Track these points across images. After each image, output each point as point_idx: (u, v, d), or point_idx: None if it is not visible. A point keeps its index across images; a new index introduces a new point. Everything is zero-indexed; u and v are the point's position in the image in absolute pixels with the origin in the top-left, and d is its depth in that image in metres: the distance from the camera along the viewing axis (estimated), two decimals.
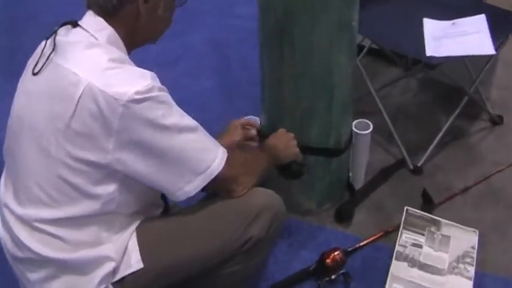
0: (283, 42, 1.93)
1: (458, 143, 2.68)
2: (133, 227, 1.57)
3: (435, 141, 2.55)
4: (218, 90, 3.10)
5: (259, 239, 1.63)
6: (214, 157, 1.51)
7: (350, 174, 2.37)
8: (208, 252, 1.60)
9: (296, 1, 1.83)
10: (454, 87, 2.79)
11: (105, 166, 1.41)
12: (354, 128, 2.22)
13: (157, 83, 1.41)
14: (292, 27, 1.88)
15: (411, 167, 2.51)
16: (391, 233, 2.23)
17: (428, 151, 2.54)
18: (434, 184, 2.46)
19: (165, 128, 1.40)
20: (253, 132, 2.01)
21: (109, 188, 1.45)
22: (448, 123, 2.56)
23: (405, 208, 2.25)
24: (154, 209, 1.69)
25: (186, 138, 1.45)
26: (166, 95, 1.42)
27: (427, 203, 2.34)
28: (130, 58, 1.51)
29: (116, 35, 1.47)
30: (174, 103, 1.45)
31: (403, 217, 2.22)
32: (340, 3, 1.85)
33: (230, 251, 1.61)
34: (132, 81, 1.37)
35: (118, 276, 1.51)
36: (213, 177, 1.50)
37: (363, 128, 2.24)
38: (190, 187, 1.49)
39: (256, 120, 2.20)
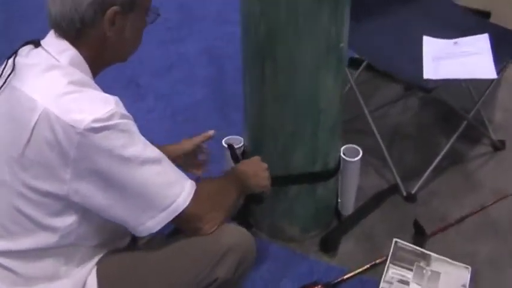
0: (265, 62, 1.82)
1: (456, 168, 2.54)
2: (95, 261, 1.49)
3: (432, 166, 2.42)
4: (211, 101, 3.00)
5: (226, 280, 1.52)
6: (179, 192, 1.40)
7: (339, 200, 2.23)
8: None
9: (278, 20, 1.71)
10: (456, 108, 2.65)
11: (62, 197, 1.32)
12: (342, 155, 2.10)
13: (121, 110, 1.31)
14: (274, 47, 1.77)
15: (404, 193, 2.39)
16: (378, 266, 2.10)
17: (424, 176, 2.41)
18: (428, 212, 2.33)
19: (125, 160, 1.30)
20: (203, 156, 1.97)
21: (67, 220, 1.37)
22: (446, 147, 2.43)
23: (394, 240, 2.12)
24: (120, 240, 1.59)
25: (148, 170, 1.35)
26: (128, 123, 1.32)
27: (419, 234, 2.21)
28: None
29: (80, 56, 1.37)
30: (137, 132, 1.34)
31: (391, 250, 2.09)
32: (326, 25, 1.73)
33: None
34: (92, 107, 1.28)
35: None
36: (177, 213, 1.40)
37: (352, 154, 2.11)
38: (152, 223, 1.39)
39: (239, 140, 2.09)
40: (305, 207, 2.16)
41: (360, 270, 2.09)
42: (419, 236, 2.20)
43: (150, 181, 1.35)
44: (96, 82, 1.41)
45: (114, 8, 1.35)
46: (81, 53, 1.37)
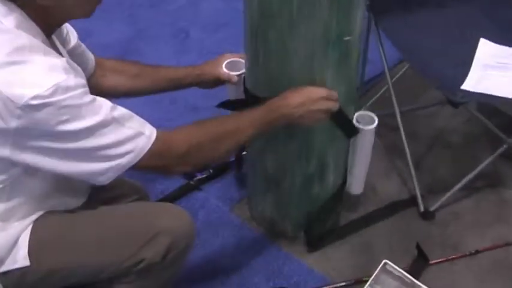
0: (258, 42, 1.62)
1: (489, 191, 2.24)
2: (33, 218, 1.46)
3: (460, 184, 2.15)
4: None
5: (153, 263, 1.48)
6: (132, 148, 1.34)
7: (348, 175, 1.98)
8: (96, 265, 1.49)
9: (271, 1, 1.50)
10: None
11: (5, 159, 1.29)
12: (355, 122, 1.81)
13: (67, 81, 1.22)
14: (267, 30, 1.57)
15: (422, 209, 2.13)
16: (362, 284, 1.89)
17: (449, 194, 2.14)
18: (442, 236, 2.08)
19: (69, 134, 1.25)
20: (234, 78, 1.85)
21: (12, 171, 1.35)
22: (482, 165, 2.14)
23: (383, 261, 1.89)
24: (71, 198, 1.56)
25: (95, 138, 1.28)
26: (74, 96, 1.23)
27: (420, 259, 1.97)
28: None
29: (27, 18, 1.28)
30: (86, 101, 1.25)
31: (376, 271, 1.87)
32: (325, 15, 1.50)
33: (121, 268, 1.49)
34: (34, 81, 1.20)
35: (3, 269, 1.41)
36: (134, 163, 1.35)
37: (366, 122, 1.82)
38: (104, 178, 1.35)
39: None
40: (299, 204, 1.97)
41: (341, 285, 1.90)
42: (420, 262, 1.97)
43: (98, 147, 1.29)
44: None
45: None
46: (28, 15, 1.28)
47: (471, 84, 1.94)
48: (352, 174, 1.96)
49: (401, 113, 2.21)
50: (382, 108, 2.27)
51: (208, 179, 2.27)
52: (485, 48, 2.10)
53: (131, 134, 1.33)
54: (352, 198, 2.06)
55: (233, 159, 2.27)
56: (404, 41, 2.06)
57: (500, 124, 2.36)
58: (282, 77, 1.64)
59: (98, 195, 1.67)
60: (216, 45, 2.92)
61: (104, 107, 1.28)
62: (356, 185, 2.02)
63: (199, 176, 2.26)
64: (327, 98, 1.59)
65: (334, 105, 1.61)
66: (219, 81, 1.87)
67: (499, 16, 2.22)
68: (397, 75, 2.47)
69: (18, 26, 1.25)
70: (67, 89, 1.21)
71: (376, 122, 1.80)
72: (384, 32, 2.11)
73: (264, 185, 1.98)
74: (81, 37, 1.66)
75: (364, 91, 2.57)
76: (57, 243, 1.47)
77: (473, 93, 1.88)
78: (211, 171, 2.28)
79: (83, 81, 1.27)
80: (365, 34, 2.26)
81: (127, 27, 2.98)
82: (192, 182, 2.25)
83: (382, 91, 2.34)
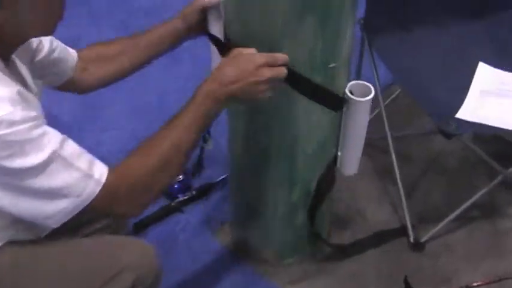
0: None
1: (484, 221, 2.14)
2: None
3: (454, 214, 2.05)
4: None
5: None
6: (83, 188, 1.22)
7: (339, 154, 1.72)
8: None
9: (254, 22, 1.41)
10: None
11: None
12: (347, 93, 1.54)
13: (12, 115, 1.12)
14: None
15: (412, 239, 2.03)
16: None
17: (442, 224, 2.05)
18: (433, 268, 1.98)
19: (11, 171, 1.15)
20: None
21: None
22: (478, 195, 2.04)
23: None
24: (35, 228, 1.43)
25: (38, 179, 1.18)
26: (19, 132, 1.13)
27: None
28: None
29: None
30: (32, 136, 1.15)
31: None
32: (309, 40, 1.40)
33: None
34: None
35: None
36: (82, 207, 1.24)
37: (361, 93, 1.54)
38: (53, 221, 1.26)
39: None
40: (282, 234, 1.88)
41: None
42: None
43: (41, 188, 1.20)
44: None
45: None
46: None
47: (467, 112, 1.84)
48: (344, 152, 1.70)
49: (393, 137, 2.11)
50: (374, 131, 2.16)
51: (191, 200, 2.18)
52: (484, 73, 2.01)
53: (79, 177, 1.22)
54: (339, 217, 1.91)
55: (218, 180, 2.19)
56: (398, 63, 1.97)
57: (497, 151, 2.25)
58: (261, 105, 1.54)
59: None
60: (209, 55, 2.82)
61: (52, 143, 1.18)
62: (349, 164, 1.73)
63: (181, 198, 2.16)
64: (269, 65, 1.30)
65: (278, 73, 1.31)
66: (204, 13, 1.58)
67: (500, 39, 2.12)
68: (392, 96, 2.37)
69: None
70: (12, 123, 1.12)
71: (373, 93, 1.51)
72: (377, 52, 2.01)
73: (245, 212, 1.89)
74: (69, 45, 1.56)
75: None
76: (17, 276, 1.38)
77: (468, 123, 1.78)
78: (193, 192, 2.18)
79: (33, 113, 1.16)
80: (358, 53, 2.16)
81: (117, 34, 2.89)
82: (173, 204, 2.15)
83: (374, 113, 2.23)
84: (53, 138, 1.18)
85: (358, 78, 2.19)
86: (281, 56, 1.32)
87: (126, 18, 3.12)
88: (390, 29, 2.03)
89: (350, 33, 1.49)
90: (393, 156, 2.08)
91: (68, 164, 1.20)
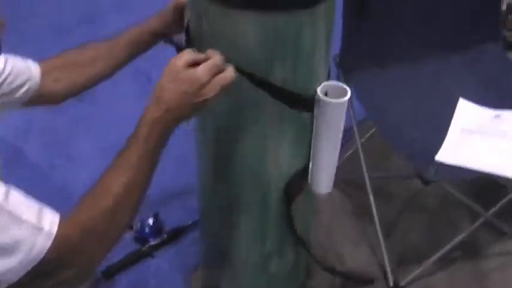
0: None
1: (466, 262, 2.07)
2: None
3: (436, 256, 1.97)
4: None
5: None
6: (33, 242, 1.09)
7: (310, 166, 1.51)
8: None
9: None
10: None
11: None
12: (319, 94, 1.33)
13: None
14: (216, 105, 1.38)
15: (391, 283, 1.95)
16: None
17: (422, 266, 1.97)
18: None
19: None
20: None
21: None
22: (460, 237, 1.97)
23: None
24: None
25: None
26: None
27: None
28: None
29: None
30: None
31: None
32: (279, 79, 1.32)
33: None
34: None
35: None
36: (34, 264, 1.10)
37: (336, 94, 1.34)
38: (5, 279, 1.11)
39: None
40: (256, 283, 1.79)
41: None
42: None
43: None
44: None
45: None
46: None
47: (447, 153, 1.77)
48: (315, 165, 1.48)
49: (371, 176, 2.04)
50: (351, 169, 2.10)
51: (162, 244, 2.09)
52: (465, 110, 1.94)
53: (27, 231, 1.10)
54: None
55: (190, 222, 2.10)
56: (373, 101, 1.90)
57: (477, 191, 2.19)
58: (232, 154, 1.46)
59: None
60: None
61: None
62: (321, 180, 1.50)
63: (152, 242, 2.07)
64: (216, 74, 1.19)
65: (224, 81, 1.19)
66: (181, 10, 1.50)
67: (481, 73, 2.06)
68: (371, 131, 2.29)
69: None
70: None
71: (349, 94, 1.33)
72: (353, 89, 1.94)
73: (216, 258, 1.80)
74: None
75: None
76: None
77: (448, 166, 1.71)
78: (165, 236, 2.09)
79: None
80: None
81: None
82: (143, 249, 2.06)
83: (351, 151, 2.16)
84: None
85: None
86: (219, 58, 1.20)
87: None
88: (365, 65, 1.96)
89: (323, 72, 1.40)
90: (371, 197, 2.01)
91: (14, 217, 1.08)
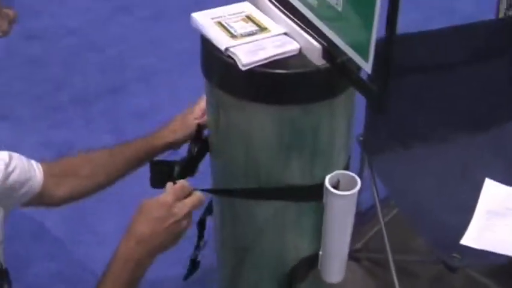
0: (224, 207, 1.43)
1: None
2: None
3: None
4: None
5: None
6: None
7: (320, 253, 1.47)
8: None
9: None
10: None
11: None
12: (327, 185, 1.30)
13: None
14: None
15: None
16: None
17: None
18: None
19: None
20: None
21: None
22: None
23: None
24: None
25: None
26: None
27: None
28: None
29: None
30: None
31: None
32: (296, 174, 1.31)
33: None
34: None
35: None
36: None
37: (346, 185, 1.33)
38: None
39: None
40: None
41: None
42: None
43: None
44: None
45: None
46: None
47: (472, 237, 1.71)
48: (325, 255, 1.46)
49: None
50: (376, 246, 2.05)
51: None
52: (491, 191, 1.89)
53: None
54: None
55: None
56: (396, 182, 1.86)
57: (508, 275, 2.12)
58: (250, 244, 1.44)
59: None
60: None
61: None
62: (331, 268, 1.49)
63: None
64: (179, 198, 1.22)
65: (194, 202, 1.22)
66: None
67: (507, 152, 2.02)
68: (394, 212, 2.24)
69: None
70: None
71: (359, 186, 1.31)
72: (375, 170, 1.91)
73: None
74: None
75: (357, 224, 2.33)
76: None
77: (474, 251, 1.66)
78: None
79: None
80: (358, 170, 2.06)
81: (112, 138, 2.83)
82: None
83: (374, 230, 2.12)
84: None
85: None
86: (184, 183, 1.23)
87: (121, 123, 3.06)
88: (389, 145, 1.93)
89: (343, 159, 1.38)
90: (394, 278, 1.95)
91: None
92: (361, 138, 1.95)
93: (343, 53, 1.09)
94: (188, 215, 1.20)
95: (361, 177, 1.97)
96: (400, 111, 1.87)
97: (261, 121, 1.23)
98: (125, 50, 3.53)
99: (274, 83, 1.18)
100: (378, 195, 1.94)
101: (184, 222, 1.20)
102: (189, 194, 1.22)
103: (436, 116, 2.00)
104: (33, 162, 1.47)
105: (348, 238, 1.42)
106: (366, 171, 1.98)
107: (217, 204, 1.49)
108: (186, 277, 1.87)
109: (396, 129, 1.93)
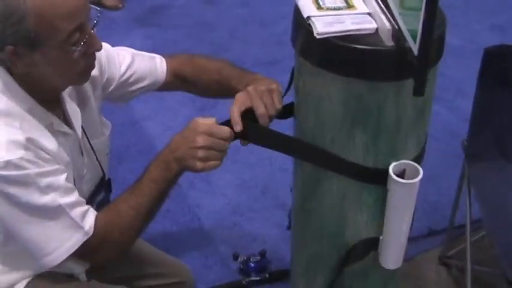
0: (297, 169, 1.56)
1: None
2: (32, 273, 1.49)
3: None
4: None
5: None
6: (57, 247, 1.36)
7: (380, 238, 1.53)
8: None
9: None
10: None
11: None
12: (391, 174, 1.37)
13: (22, 160, 1.26)
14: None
15: None
16: None
17: None
18: None
19: (14, 205, 1.30)
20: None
21: None
22: None
23: None
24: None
25: (35, 220, 1.33)
26: (25, 175, 1.27)
27: None
28: None
29: (15, 84, 1.32)
30: (35, 181, 1.29)
31: None
32: (359, 152, 1.38)
33: None
34: None
35: None
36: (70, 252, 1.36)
37: (408, 174, 1.39)
38: (44, 262, 1.38)
39: None
40: None
41: None
42: None
43: (33, 230, 1.34)
44: None
45: (9, 47, 1.24)
46: (15, 80, 1.32)
47: None
48: (385, 240, 1.50)
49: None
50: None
51: (262, 282, 2.18)
52: None
53: (71, 224, 1.34)
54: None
55: None
56: (489, 192, 1.85)
57: None
58: (312, 207, 1.53)
59: (121, 269, 1.66)
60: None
61: (56, 191, 1.31)
62: (389, 256, 1.53)
63: (253, 277, 2.17)
64: (208, 134, 1.35)
65: (211, 143, 1.35)
66: None
67: None
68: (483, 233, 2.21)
69: (3, 91, 1.31)
70: (19, 167, 1.26)
71: (421, 175, 1.36)
72: (472, 178, 1.91)
73: None
74: None
75: (450, 238, 2.31)
76: None
77: None
78: (267, 275, 2.18)
79: (42, 162, 1.29)
80: (458, 179, 2.07)
81: None
82: (244, 282, 2.16)
83: (459, 247, 2.12)
84: (57, 188, 1.31)
85: (455, 205, 2.10)
86: (224, 132, 1.36)
87: None
88: (491, 155, 1.91)
89: (412, 149, 1.43)
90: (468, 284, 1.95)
91: (64, 212, 1.32)
92: (465, 143, 1.96)
93: (403, 36, 1.17)
94: (203, 148, 1.34)
95: (461, 186, 1.98)
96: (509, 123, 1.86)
97: (330, 89, 1.31)
98: None
99: (345, 55, 1.25)
100: (470, 207, 1.95)
101: (200, 153, 1.34)
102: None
103: None
104: (157, 61, 1.66)
105: (407, 227, 1.47)
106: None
107: (294, 166, 1.59)
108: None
109: (502, 140, 1.92)
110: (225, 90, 1.56)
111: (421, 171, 1.37)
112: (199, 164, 1.35)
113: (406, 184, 1.36)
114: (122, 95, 1.64)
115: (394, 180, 1.36)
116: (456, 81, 3.11)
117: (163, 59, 1.67)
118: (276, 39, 3.57)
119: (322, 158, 1.42)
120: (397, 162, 1.38)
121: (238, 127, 1.38)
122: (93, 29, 1.32)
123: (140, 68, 1.63)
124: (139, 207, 1.39)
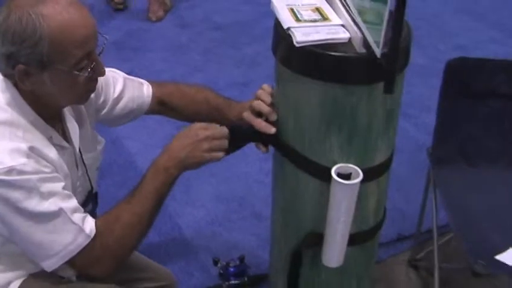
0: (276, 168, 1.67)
1: None
2: (27, 272, 1.55)
3: None
4: None
5: None
6: (72, 239, 1.43)
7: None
8: None
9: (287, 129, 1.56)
10: None
11: None
12: (333, 174, 1.46)
13: (25, 166, 1.34)
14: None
15: None
16: None
17: None
18: None
19: (17, 211, 1.37)
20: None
21: None
22: None
23: None
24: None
25: (37, 224, 1.40)
26: (28, 180, 1.35)
27: None
28: None
29: (20, 98, 1.42)
30: (39, 186, 1.37)
31: None
32: (334, 152, 1.51)
33: None
34: None
35: None
36: (71, 256, 1.43)
37: (352, 178, 1.49)
38: (46, 264, 1.45)
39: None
40: None
41: None
42: None
43: (36, 234, 1.40)
44: None
45: (20, 66, 1.34)
46: (21, 94, 1.41)
47: (509, 257, 1.81)
48: (324, 240, 1.60)
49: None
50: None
51: (242, 285, 2.26)
52: None
53: (73, 228, 1.41)
54: None
55: None
56: (454, 194, 1.99)
57: None
58: (291, 208, 1.65)
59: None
60: None
61: (56, 196, 1.38)
62: (329, 255, 1.62)
63: (232, 281, 2.26)
64: (207, 128, 1.51)
65: (213, 132, 1.51)
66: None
67: None
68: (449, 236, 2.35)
69: (9, 103, 1.40)
70: (22, 172, 1.33)
71: (360, 177, 1.46)
72: (437, 181, 2.05)
73: None
74: None
75: (418, 242, 2.45)
76: None
77: (504, 266, 1.76)
78: (246, 279, 2.27)
79: (45, 168, 1.37)
80: (424, 183, 2.21)
81: None
82: (224, 286, 2.25)
83: (428, 250, 2.25)
84: (58, 193, 1.39)
85: (423, 207, 2.23)
86: (218, 126, 1.51)
87: None
88: (454, 159, 2.06)
89: (383, 151, 1.56)
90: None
91: (65, 216, 1.40)
92: (430, 151, 2.11)
93: (368, 42, 1.34)
94: (206, 139, 1.48)
95: (427, 189, 2.11)
96: (473, 130, 2.01)
97: (308, 94, 1.45)
98: None
99: (321, 61, 1.39)
100: (436, 213, 2.08)
101: (205, 144, 1.47)
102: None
103: (509, 143, 2.10)
104: (145, 87, 1.78)
105: (345, 227, 1.55)
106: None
107: (274, 166, 1.71)
108: None
109: (464, 146, 2.06)
110: (213, 120, 1.64)
111: (361, 174, 1.46)
112: (206, 155, 1.48)
113: (347, 185, 1.46)
114: (113, 119, 1.76)
115: (335, 180, 1.46)
116: (422, 98, 3.27)
117: (150, 86, 1.79)
118: (249, 60, 3.71)
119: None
120: (343, 165, 1.49)
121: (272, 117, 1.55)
122: (99, 55, 1.43)
123: (130, 92, 1.75)
124: (140, 213, 1.48)
